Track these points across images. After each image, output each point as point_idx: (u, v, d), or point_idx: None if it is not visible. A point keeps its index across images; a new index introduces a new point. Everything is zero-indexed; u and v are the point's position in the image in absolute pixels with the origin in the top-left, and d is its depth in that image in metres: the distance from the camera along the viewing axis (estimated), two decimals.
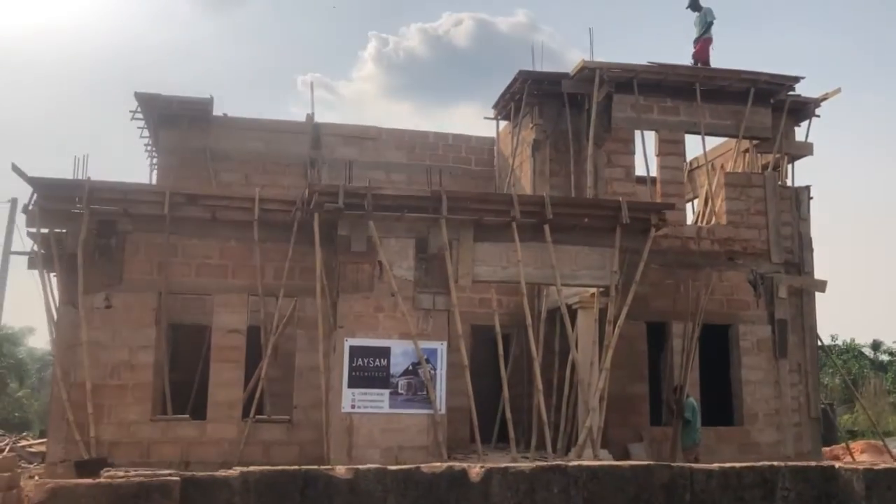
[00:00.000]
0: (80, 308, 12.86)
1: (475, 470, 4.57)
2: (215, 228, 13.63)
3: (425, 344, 13.00)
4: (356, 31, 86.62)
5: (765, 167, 17.29)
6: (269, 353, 13.55)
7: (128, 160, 65.83)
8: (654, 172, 16.55)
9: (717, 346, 16.10)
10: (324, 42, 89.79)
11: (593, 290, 14.10)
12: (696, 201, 19.37)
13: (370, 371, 12.90)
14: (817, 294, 16.74)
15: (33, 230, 13.20)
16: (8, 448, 19.12)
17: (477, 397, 13.71)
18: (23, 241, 16.50)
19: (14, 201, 21.88)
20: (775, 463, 5.13)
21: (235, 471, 4.31)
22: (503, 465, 4.86)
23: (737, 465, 5.36)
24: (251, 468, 4.39)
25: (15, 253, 17.89)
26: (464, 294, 15.21)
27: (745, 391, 15.74)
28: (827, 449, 18.94)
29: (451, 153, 19.59)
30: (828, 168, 66.03)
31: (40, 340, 43.35)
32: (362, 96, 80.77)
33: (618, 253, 13.70)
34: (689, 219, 18.92)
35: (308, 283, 13.23)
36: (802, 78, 16.90)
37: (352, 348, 12.89)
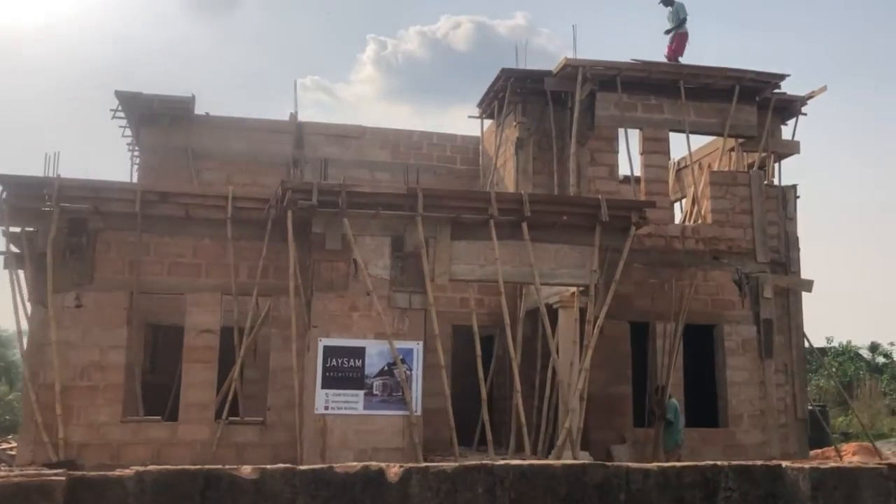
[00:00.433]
0: (49, 307, 12.64)
1: (393, 469, 4.36)
2: (189, 226, 13.41)
3: (401, 344, 12.77)
4: (354, 33, 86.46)
5: (751, 166, 17.07)
6: (247, 353, 13.35)
7: (114, 160, 65.71)
8: (638, 171, 16.36)
9: (701, 346, 15.88)
10: (322, 45, 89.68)
11: (573, 289, 13.88)
12: (684, 201, 19.17)
13: (344, 371, 12.67)
14: (811, 295, 16.55)
15: (2, 228, 12.99)
16: None
17: (461, 398, 13.49)
18: None
19: None
20: (718, 462, 4.92)
21: (130, 470, 4.10)
22: (424, 464, 4.65)
23: (678, 464, 5.15)
24: (148, 467, 4.18)
25: None
26: (445, 294, 15.03)
27: (729, 392, 15.52)
28: (818, 451, 18.66)
29: (436, 152, 19.43)
30: (816, 167, 65.46)
31: None
32: (361, 99, 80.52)
33: (597, 251, 13.46)
34: (678, 219, 18.75)
35: (283, 282, 13.00)
36: (788, 76, 16.71)
37: (326, 348, 12.67)
